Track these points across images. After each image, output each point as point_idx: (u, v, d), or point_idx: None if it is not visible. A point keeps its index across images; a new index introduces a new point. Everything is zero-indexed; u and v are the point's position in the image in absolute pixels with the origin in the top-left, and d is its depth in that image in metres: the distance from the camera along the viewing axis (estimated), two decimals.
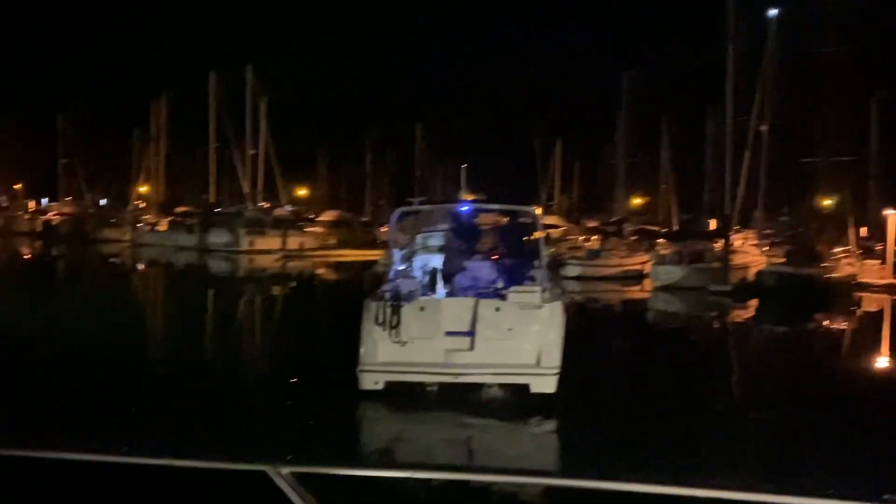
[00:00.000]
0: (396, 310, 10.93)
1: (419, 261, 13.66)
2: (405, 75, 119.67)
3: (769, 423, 11.12)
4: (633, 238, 42.27)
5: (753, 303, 27.91)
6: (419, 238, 14.91)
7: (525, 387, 10.97)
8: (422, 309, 11.19)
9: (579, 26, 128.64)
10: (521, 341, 11.05)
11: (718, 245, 33.35)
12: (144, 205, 66.00)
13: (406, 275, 12.63)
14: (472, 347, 11.03)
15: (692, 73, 55.08)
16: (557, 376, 10.91)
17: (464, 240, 13.82)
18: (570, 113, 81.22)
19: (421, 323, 11.08)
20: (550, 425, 10.96)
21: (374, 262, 44.96)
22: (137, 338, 17.32)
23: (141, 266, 43.58)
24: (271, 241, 47.24)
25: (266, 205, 54.29)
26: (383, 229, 54.97)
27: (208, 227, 50.42)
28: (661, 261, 32.52)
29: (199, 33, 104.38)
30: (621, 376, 14.03)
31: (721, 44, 36.56)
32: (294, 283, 36.02)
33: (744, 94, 36.48)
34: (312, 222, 56.85)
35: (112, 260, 46.38)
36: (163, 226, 57.83)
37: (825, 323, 24.89)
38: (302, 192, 78.22)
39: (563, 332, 11.22)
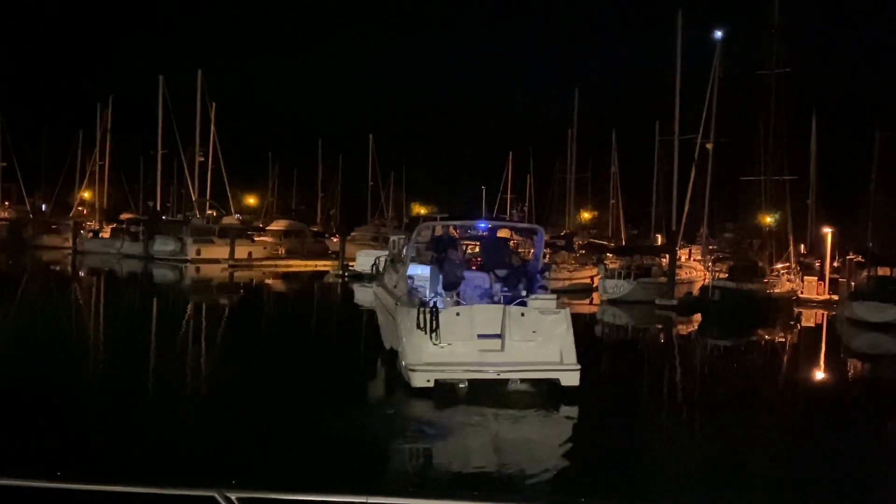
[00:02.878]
0: (435, 315, 12.16)
1: (411, 270, 14.65)
2: (358, 86, 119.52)
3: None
4: (582, 252, 42.88)
5: (697, 317, 28.57)
6: (406, 250, 15.77)
7: (552, 381, 12.49)
8: (457, 314, 12.57)
9: (532, 43, 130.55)
10: (545, 342, 12.62)
11: (665, 260, 34.04)
12: (87, 211, 64.29)
13: (421, 284, 13.79)
14: (502, 348, 12.49)
15: (641, 92, 56.40)
16: (579, 371, 12.46)
17: (484, 253, 15.42)
18: (523, 127, 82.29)
19: (457, 327, 12.38)
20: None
21: (324, 273, 44.86)
22: (70, 355, 16.48)
23: (82, 274, 42.30)
24: (218, 251, 46.42)
25: (214, 213, 53.38)
26: (334, 239, 54.70)
27: (154, 235, 49.33)
28: (610, 275, 33.04)
29: (148, 37, 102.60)
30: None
31: (669, 64, 37.52)
32: (240, 293, 35.42)
33: (691, 113, 37.46)
34: (262, 231, 56.15)
35: (51, 267, 44.94)
36: (106, 232, 56.37)
37: (765, 337, 25.63)
38: (252, 200, 77.26)
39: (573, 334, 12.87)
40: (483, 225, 17.78)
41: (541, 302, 13.07)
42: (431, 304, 12.50)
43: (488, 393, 12.20)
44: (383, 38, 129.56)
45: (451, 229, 17.73)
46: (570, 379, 12.40)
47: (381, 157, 72.22)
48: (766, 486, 9.26)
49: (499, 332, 12.56)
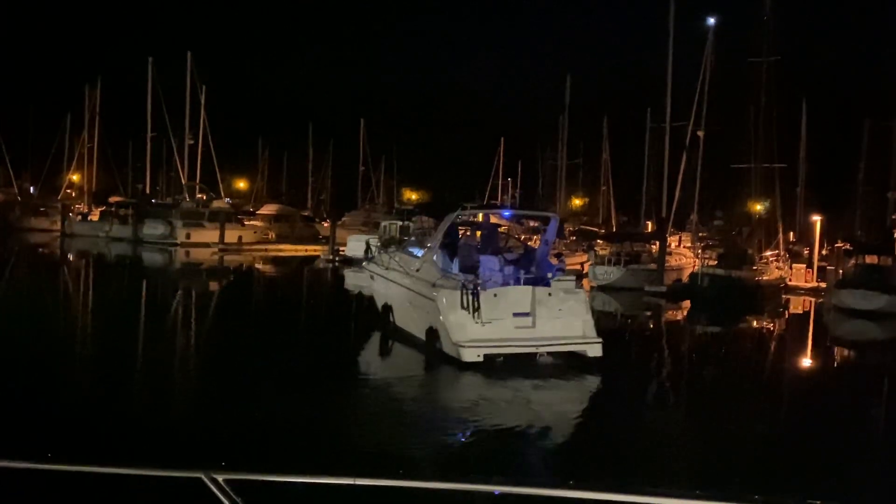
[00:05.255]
0: (476, 296, 13.60)
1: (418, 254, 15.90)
2: (349, 71, 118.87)
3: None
4: (573, 238, 42.94)
5: (686, 304, 28.71)
6: (413, 238, 17.11)
7: (573, 354, 14.12)
8: (495, 295, 13.99)
9: (525, 28, 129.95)
10: (569, 319, 14.22)
11: (655, 247, 34.13)
12: (76, 193, 63.82)
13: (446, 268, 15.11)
14: (533, 325, 14.03)
15: (633, 79, 56.33)
16: (602, 344, 14.11)
17: (484, 239, 16.89)
18: (514, 113, 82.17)
19: (495, 306, 13.82)
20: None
21: (314, 257, 44.74)
22: (63, 339, 16.59)
23: (71, 257, 42.05)
24: (208, 234, 46.25)
25: (203, 196, 53.11)
26: (325, 224, 54.52)
27: (143, 219, 49.06)
28: (600, 261, 33.12)
29: (137, 17, 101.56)
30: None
31: (661, 50, 37.43)
32: (231, 277, 35.34)
33: (682, 100, 37.44)
34: (252, 215, 55.91)
35: (40, 250, 44.66)
36: (95, 215, 56.00)
37: (753, 324, 25.81)
38: (241, 184, 76.84)
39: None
40: (508, 213, 19.58)
41: (563, 283, 14.67)
42: (472, 286, 13.73)
43: (521, 364, 13.70)
44: (375, 22, 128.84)
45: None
46: (595, 350, 14.08)
47: (373, 142, 72.01)
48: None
49: (528, 310, 14.03)
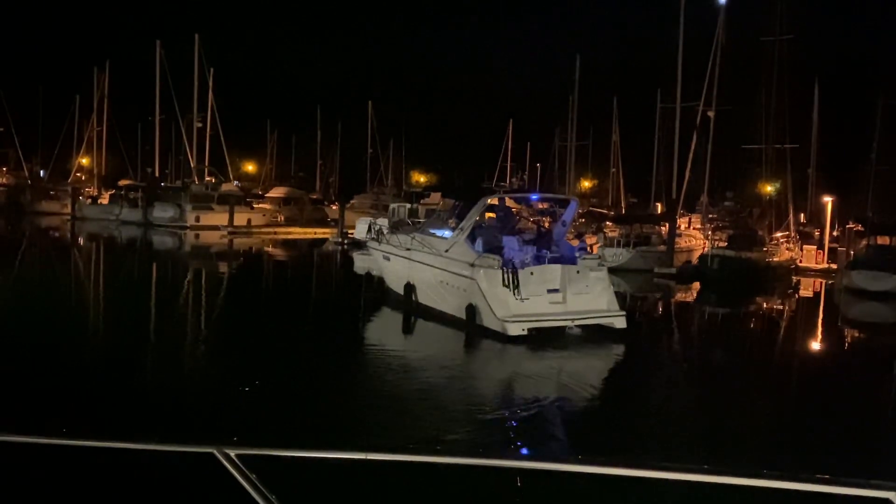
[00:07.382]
0: (515, 274, 14.68)
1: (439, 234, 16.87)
2: (357, 53, 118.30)
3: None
4: (582, 220, 42.77)
5: (696, 285, 28.62)
6: (431, 220, 17.86)
7: (606, 326, 15.27)
8: (531, 273, 15.12)
9: (534, 8, 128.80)
10: (594, 294, 15.45)
11: (664, 229, 33.99)
12: (85, 177, 64.04)
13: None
14: (564, 301, 15.17)
15: (643, 58, 55.84)
16: (625, 317, 15.49)
17: (500, 221, 17.98)
18: (523, 95, 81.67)
19: (532, 284, 14.94)
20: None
21: (323, 240, 44.81)
22: (86, 323, 16.71)
23: (82, 240, 42.26)
24: (217, 217, 46.38)
25: (212, 180, 53.17)
26: (333, 207, 54.50)
27: (153, 202, 49.20)
28: (609, 243, 33.02)
29: (144, 0, 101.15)
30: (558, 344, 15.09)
31: (672, 29, 37.07)
32: (242, 261, 35.46)
33: (693, 80, 37.11)
34: (260, 198, 55.99)
35: (51, 233, 44.92)
36: (105, 199, 56.18)
37: (763, 305, 25.71)
38: (250, 167, 76.85)
39: None
40: (535, 197, 20.75)
41: (588, 261, 15.84)
42: (511, 265, 14.60)
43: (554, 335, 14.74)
44: (383, 4, 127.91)
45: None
46: (621, 322, 15.36)
47: (381, 125, 71.75)
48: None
49: (559, 287, 15.16)
